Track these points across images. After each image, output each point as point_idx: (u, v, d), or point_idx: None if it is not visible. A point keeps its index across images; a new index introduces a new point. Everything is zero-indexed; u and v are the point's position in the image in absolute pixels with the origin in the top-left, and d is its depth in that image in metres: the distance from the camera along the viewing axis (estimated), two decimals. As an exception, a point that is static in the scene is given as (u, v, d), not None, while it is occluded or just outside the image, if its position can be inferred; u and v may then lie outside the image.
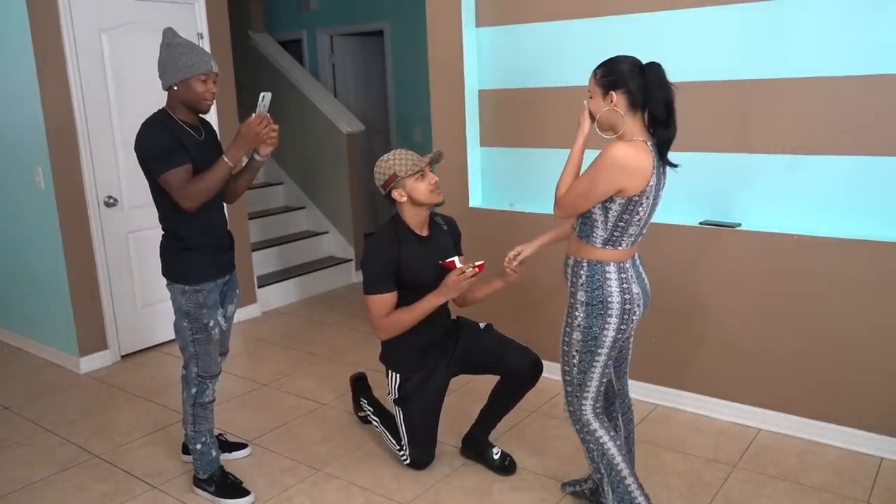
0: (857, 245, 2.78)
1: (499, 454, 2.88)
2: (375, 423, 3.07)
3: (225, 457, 2.99)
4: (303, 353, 4.31)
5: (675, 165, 2.17)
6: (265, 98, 2.52)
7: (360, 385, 3.32)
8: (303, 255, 5.82)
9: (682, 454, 2.93)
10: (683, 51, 3.07)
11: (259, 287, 5.12)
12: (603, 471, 2.32)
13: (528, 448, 3.04)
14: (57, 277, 4.03)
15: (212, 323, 2.65)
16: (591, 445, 2.32)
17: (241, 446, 3.09)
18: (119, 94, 4.08)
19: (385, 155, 2.69)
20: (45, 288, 4.18)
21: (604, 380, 2.29)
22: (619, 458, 2.30)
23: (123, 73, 4.09)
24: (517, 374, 2.79)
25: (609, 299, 2.18)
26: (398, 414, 2.87)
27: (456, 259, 2.63)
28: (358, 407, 3.28)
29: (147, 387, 3.85)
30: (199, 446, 2.73)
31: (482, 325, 2.92)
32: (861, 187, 2.81)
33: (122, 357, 4.27)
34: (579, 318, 2.23)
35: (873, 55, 2.70)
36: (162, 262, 2.66)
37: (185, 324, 2.62)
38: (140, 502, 2.77)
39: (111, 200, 4.09)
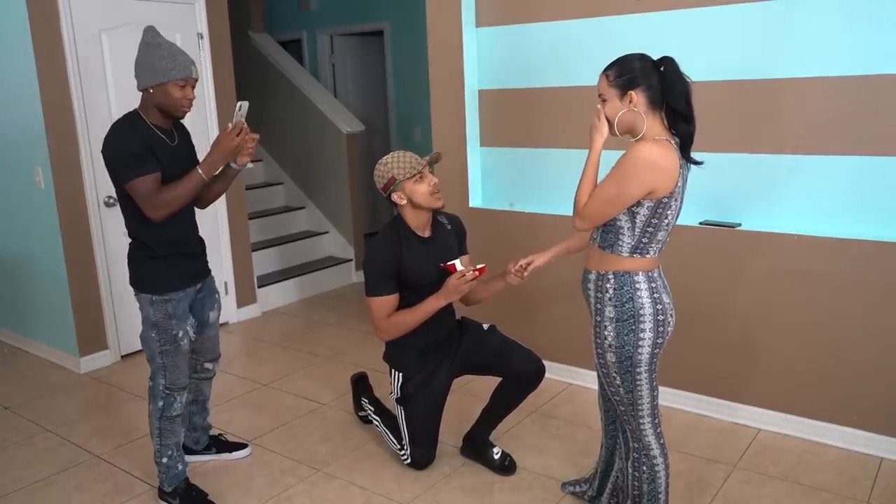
0: (857, 245, 2.78)
1: (499, 454, 2.88)
2: (376, 423, 3.07)
3: (225, 457, 2.99)
4: (303, 353, 4.31)
5: (699, 163, 2.08)
6: (242, 107, 2.43)
7: (360, 385, 3.32)
8: (303, 255, 5.82)
9: (682, 454, 2.93)
10: (683, 51, 3.04)
11: (259, 287, 5.11)
12: (645, 493, 2.22)
13: (528, 448, 3.04)
14: (57, 277, 4.03)
15: (181, 334, 2.56)
16: (644, 468, 2.20)
17: (241, 446, 3.08)
18: (119, 95, 4.07)
19: (384, 157, 2.68)
20: (45, 288, 4.18)
21: (655, 393, 2.16)
22: (663, 489, 2.22)
23: (123, 73, 4.05)
24: (520, 377, 2.79)
25: (641, 311, 2.06)
26: (400, 413, 2.87)
27: (456, 262, 2.63)
28: (358, 407, 3.28)
29: (147, 387, 3.84)
30: (164, 460, 2.65)
31: (486, 326, 2.92)
32: (861, 187, 2.81)
33: (122, 357, 4.26)
34: (609, 338, 2.10)
35: (873, 55, 2.71)
36: (129, 271, 2.57)
37: (153, 335, 2.53)
38: (140, 502, 2.77)
39: (111, 200, 4.08)
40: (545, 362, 2.83)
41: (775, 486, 2.70)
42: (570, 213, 2.18)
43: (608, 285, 2.10)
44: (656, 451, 2.20)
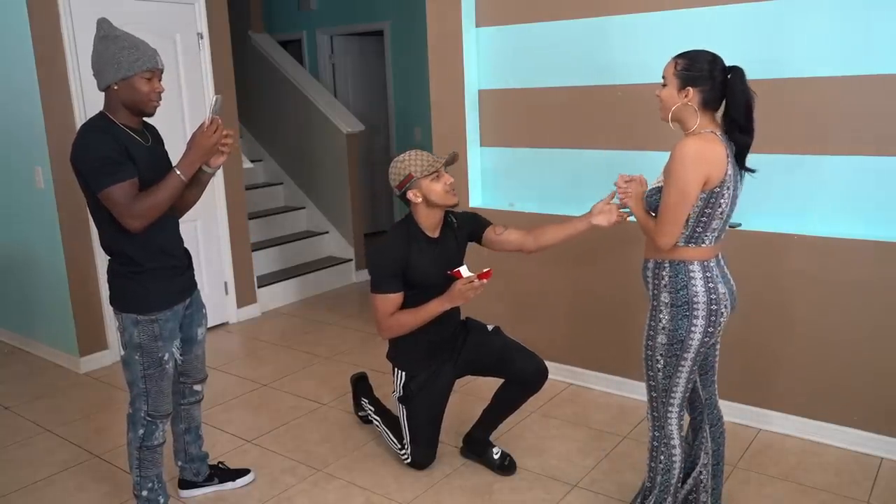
0: (857, 245, 2.78)
1: (499, 454, 2.88)
2: (376, 423, 3.07)
3: (230, 486, 2.81)
4: (303, 353, 4.31)
5: (753, 171, 2.15)
6: (217, 101, 2.25)
7: (361, 385, 3.32)
8: (303, 255, 5.82)
9: (682, 454, 2.93)
10: (683, 50, 3.07)
11: (259, 287, 5.11)
12: (657, 484, 2.25)
13: (528, 448, 3.04)
14: (57, 277, 4.03)
15: (166, 356, 2.37)
16: (662, 457, 2.23)
17: (244, 472, 2.86)
18: (119, 94, 4.07)
19: (401, 155, 2.68)
20: (45, 288, 4.18)
21: (689, 385, 2.21)
22: (674, 481, 2.24)
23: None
24: (523, 379, 2.79)
25: (695, 299, 2.10)
26: (402, 412, 2.87)
27: (462, 269, 2.63)
28: (358, 407, 3.28)
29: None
30: (144, 493, 2.46)
31: (490, 327, 2.92)
32: (861, 187, 2.81)
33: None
34: (664, 321, 2.15)
35: (873, 55, 2.71)
36: (111, 288, 2.36)
37: (137, 357, 2.33)
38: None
39: (111, 200, 4.08)
40: (546, 362, 2.83)
41: (775, 486, 2.70)
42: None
43: (664, 273, 2.16)
44: (676, 442, 2.23)
